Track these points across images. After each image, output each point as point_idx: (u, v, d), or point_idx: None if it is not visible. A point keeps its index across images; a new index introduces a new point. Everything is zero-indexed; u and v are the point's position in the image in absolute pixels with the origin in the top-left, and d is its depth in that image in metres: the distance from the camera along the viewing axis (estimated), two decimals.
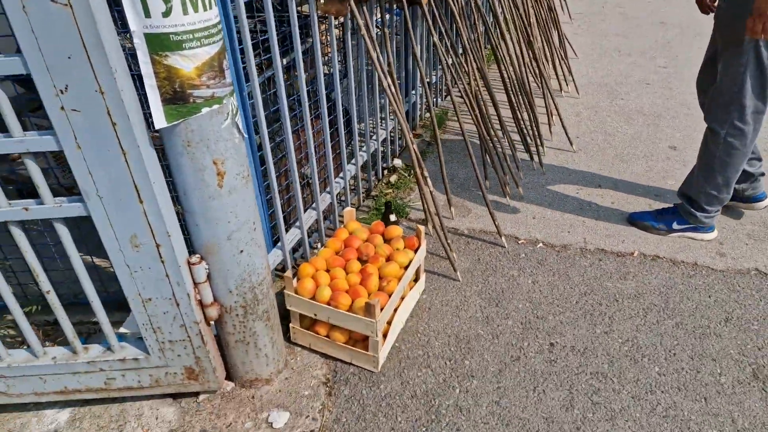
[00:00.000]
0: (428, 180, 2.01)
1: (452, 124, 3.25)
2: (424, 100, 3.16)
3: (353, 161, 2.28)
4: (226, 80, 1.19)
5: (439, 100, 3.48)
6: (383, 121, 2.58)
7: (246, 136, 1.29)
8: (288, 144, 1.69)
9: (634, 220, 2.27)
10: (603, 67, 4.09)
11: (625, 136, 3.05)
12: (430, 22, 2.06)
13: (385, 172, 2.70)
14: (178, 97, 1.12)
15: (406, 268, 1.74)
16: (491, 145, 2.46)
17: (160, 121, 1.12)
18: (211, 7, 1.11)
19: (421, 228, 1.84)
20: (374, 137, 2.44)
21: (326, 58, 2.26)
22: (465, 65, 2.34)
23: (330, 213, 2.15)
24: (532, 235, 2.25)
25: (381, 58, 1.78)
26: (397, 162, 2.75)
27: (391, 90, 1.83)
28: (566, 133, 2.94)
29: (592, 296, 1.90)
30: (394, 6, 2.20)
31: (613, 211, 2.39)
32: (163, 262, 1.29)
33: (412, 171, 2.71)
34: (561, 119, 2.97)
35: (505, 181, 2.54)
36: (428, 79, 3.14)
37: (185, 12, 1.05)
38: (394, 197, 2.51)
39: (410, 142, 1.88)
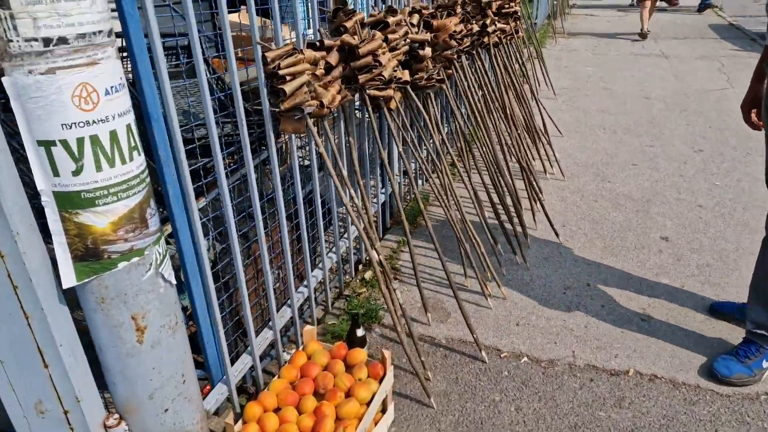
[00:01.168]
0: (398, 297, 1.83)
1: (436, 209, 3.12)
2: (405, 185, 3.05)
3: (320, 265, 2.11)
4: (150, 229, 1.04)
5: (422, 182, 3.37)
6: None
7: (174, 282, 1.13)
8: (237, 268, 1.53)
9: (725, 376, 1.83)
10: (588, 146, 4.03)
11: (614, 225, 2.92)
12: (399, 126, 1.97)
13: (360, 266, 2.53)
14: (90, 254, 0.97)
15: (368, 403, 1.52)
16: (469, 243, 2.31)
17: (69, 280, 0.97)
18: (131, 159, 0.97)
19: (387, 354, 1.64)
20: (345, 235, 2.29)
21: (287, 166, 2.14)
22: (437, 162, 2.23)
23: (292, 325, 1.96)
24: (515, 347, 2.05)
25: (343, 169, 1.65)
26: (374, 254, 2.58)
27: (353, 202, 1.69)
28: (550, 223, 2.80)
29: (583, 430, 1.67)
30: (362, 112, 2.11)
31: (603, 317, 2.20)
32: (72, 429, 1.10)
33: (389, 264, 2.54)
34: (544, 208, 2.84)
35: (486, 279, 2.37)
36: (404, 169, 3.03)
37: (99, 169, 0.92)
38: (367, 298, 2.32)
39: (373, 256, 1.72)
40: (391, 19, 1.85)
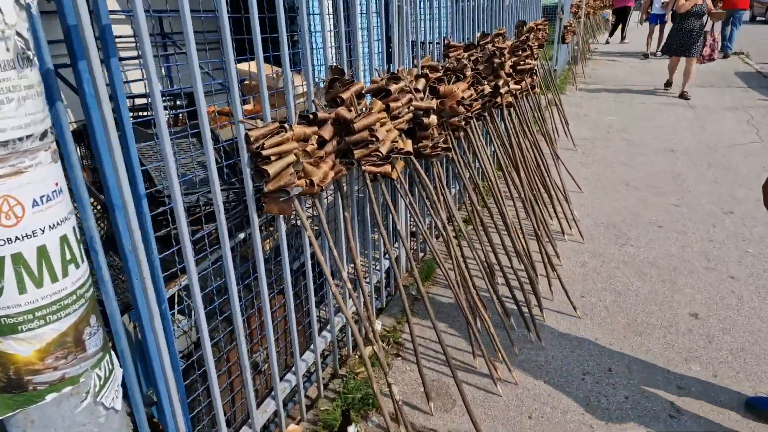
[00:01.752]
0: (394, 393, 1.65)
1: (439, 275, 2.94)
2: (406, 257, 2.88)
3: (311, 347, 1.94)
4: (87, 352, 0.89)
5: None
6: (356, 284, 2.27)
7: (118, 408, 0.97)
8: (206, 357, 1.37)
9: None
10: (609, 204, 3.83)
11: (638, 297, 2.69)
12: (402, 193, 1.83)
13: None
14: (13, 385, 0.83)
15: None
16: (478, 317, 2.12)
17: None
18: (65, 275, 0.84)
19: None
20: (339, 314, 2.13)
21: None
22: (442, 229, 2.07)
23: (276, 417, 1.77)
24: None
25: (333, 250, 1.50)
26: (375, 328, 2.40)
27: (347, 286, 1.54)
28: (567, 296, 2.59)
29: None
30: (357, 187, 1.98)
31: (627, 411, 1.96)
32: None
33: (391, 339, 2.36)
34: (560, 277, 2.63)
35: (496, 360, 2.16)
36: (413, 229, 2.89)
37: (22, 291, 0.79)
38: (365, 379, 2.13)
39: (365, 353, 1.54)
40: (393, 87, 1.74)
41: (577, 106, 6.89)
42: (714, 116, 6.23)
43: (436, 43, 2.76)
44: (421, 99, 1.89)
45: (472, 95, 2.07)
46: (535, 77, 3.16)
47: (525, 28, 4.13)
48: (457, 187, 3.46)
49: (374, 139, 1.50)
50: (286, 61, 1.46)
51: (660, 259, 3.06)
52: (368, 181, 1.61)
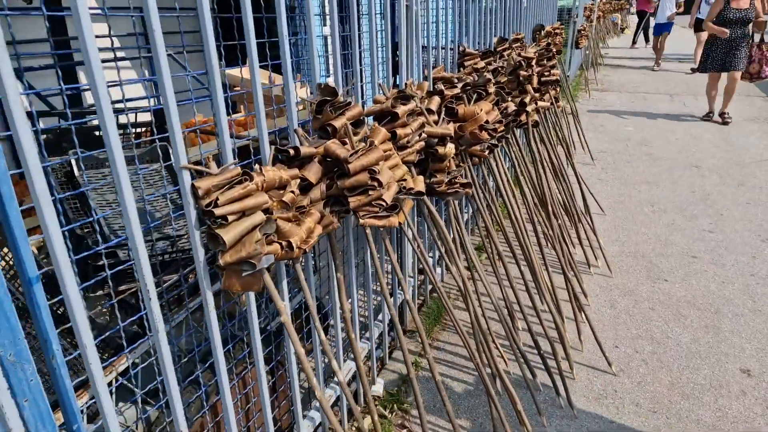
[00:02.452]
0: None
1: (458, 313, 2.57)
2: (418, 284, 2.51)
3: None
4: None
5: (440, 276, 2.83)
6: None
7: None
8: None
9: None
10: (636, 229, 3.46)
11: (680, 348, 2.32)
12: (410, 237, 1.46)
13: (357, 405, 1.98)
14: None
15: None
16: (495, 378, 1.75)
17: None
18: None
19: None
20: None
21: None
22: (459, 284, 1.71)
23: None
24: None
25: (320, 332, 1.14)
26: (376, 388, 2.04)
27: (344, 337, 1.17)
28: (599, 345, 2.22)
29: None
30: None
31: None
32: None
33: (395, 406, 1.99)
34: (590, 321, 2.27)
35: None
36: (420, 267, 2.52)
37: None
38: None
39: (362, 423, 1.18)
40: (401, 109, 1.38)
41: (592, 116, 6.52)
42: (737, 128, 5.85)
43: (450, 49, 2.39)
44: (436, 123, 1.52)
45: (496, 117, 1.71)
46: (558, 89, 2.79)
47: (543, 33, 3.76)
48: (470, 211, 3.10)
49: (376, 183, 1.14)
50: (288, 66, 1.11)
51: (699, 298, 2.68)
52: (369, 238, 1.25)
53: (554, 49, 3.32)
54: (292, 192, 1.06)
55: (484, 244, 2.40)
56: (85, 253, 1.06)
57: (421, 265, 2.51)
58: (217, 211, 0.91)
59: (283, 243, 1.04)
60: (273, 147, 1.11)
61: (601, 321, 2.51)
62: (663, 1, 9.51)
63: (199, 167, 0.93)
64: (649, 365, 2.21)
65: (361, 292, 2.39)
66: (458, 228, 1.67)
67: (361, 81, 1.62)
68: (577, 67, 8.67)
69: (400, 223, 1.46)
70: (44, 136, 1.75)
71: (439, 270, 2.76)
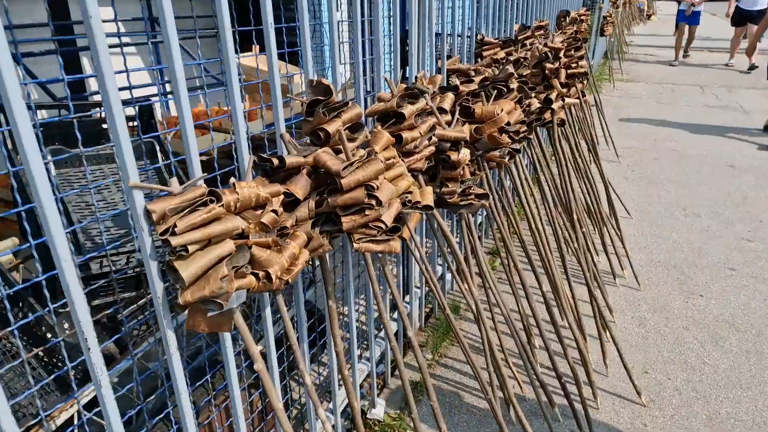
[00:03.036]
0: None
1: (467, 325, 2.37)
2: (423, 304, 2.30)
3: None
4: None
5: (452, 285, 2.61)
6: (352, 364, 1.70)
7: None
8: None
9: None
10: (666, 236, 3.20)
11: (718, 376, 2.08)
12: (418, 260, 1.25)
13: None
14: None
15: None
16: (509, 405, 1.55)
17: None
18: None
19: None
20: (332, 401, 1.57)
21: None
22: (472, 307, 1.50)
23: None
24: None
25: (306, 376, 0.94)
26: (377, 411, 1.84)
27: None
28: (627, 370, 1.99)
29: None
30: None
31: None
32: None
33: (400, 424, 1.80)
34: (615, 342, 2.04)
35: None
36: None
37: None
38: None
39: None
40: (407, 110, 1.16)
41: (617, 107, 6.19)
42: None
43: (467, 37, 2.15)
44: (449, 124, 1.30)
45: (519, 117, 1.48)
46: (585, 82, 2.53)
47: (568, 19, 3.47)
48: (483, 213, 2.87)
49: (374, 202, 0.93)
50: (273, 50, 0.93)
51: (738, 317, 2.43)
52: (368, 262, 1.05)
53: (581, 37, 3.05)
54: (274, 211, 0.86)
55: (498, 251, 2.19)
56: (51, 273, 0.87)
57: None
58: (174, 241, 0.71)
59: (261, 274, 0.84)
60: (252, 157, 0.91)
61: (628, 341, 2.28)
62: None
63: (154, 186, 0.73)
64: (683, 395, 1.99)
65: (362, 295, 2.20)
66: (471, 240, 1.46)
67: (365, 74, 1.40)
68: (600, 55, 8.29)
69: (404, 240, 1.25)
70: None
71: (449, 276, 2.55)
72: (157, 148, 1.55)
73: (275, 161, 0.94)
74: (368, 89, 2.00)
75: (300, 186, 0.94)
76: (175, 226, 0.72)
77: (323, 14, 3.94)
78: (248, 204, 0.83)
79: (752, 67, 7.71)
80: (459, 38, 2.08)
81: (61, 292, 0.75)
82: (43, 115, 2.83)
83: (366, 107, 1.41)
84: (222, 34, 0.88)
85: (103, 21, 0.71)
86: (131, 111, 1.96)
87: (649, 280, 2.73)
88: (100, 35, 0.69)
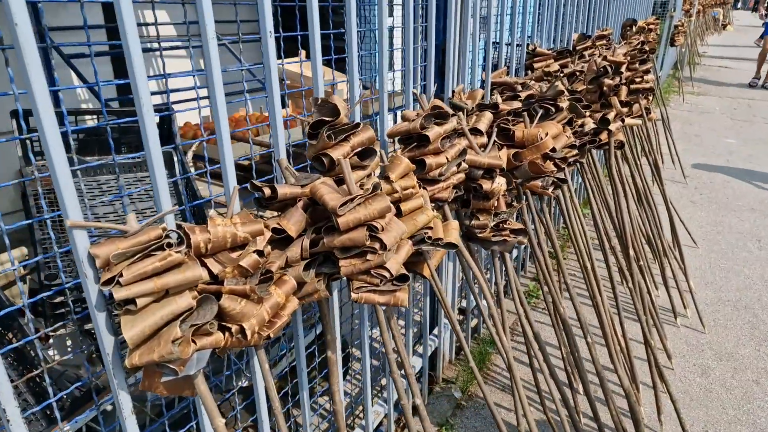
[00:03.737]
0: None
1: (497, 365, 2.17)
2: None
3: None
4: None
5: (481, 326, 2.40)
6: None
7: None
8: None
9: None
10: (737, 270, 2.84)
11: None
12: (446, 310, 1.09)
13: None
14: None
15: None
16: None
17: None
18: None
19: None
20: None
21: None
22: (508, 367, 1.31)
23: None
24: None
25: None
26: None
27: None
28: (683, 428, 1.73)
29: None
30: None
31: None
32: None
33: None
34: (671, 396, 1.79)
35: None
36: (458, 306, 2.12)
37: None
38: None
39: None
40: (432, 132, 1.01)
41: (686, 123, 5.71)
42: None
43: (517, 45, 1.96)
44: (483, 147, 1.14)
45: (567, 142, 1.28)
46: (651, 97, 2.27)
47: (634, 29, 3.20)
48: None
49: (376, 245, 0.79)
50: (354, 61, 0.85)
51: None
52: (379, 312, 0.90)
53: (648, 48, 2.78)
54: (259, 252, 0.74)
55: (540, 284, 1.98)
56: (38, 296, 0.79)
57: (464, 302, 2.13)
58: (118, 294, 0.60)
59: (234, 328, 0.72)
60: (236, 187, 0.79)
61: (688, 393, 2.00)
62: None
63: (99, 224, 0.62)
64: None
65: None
66: (505, 278, 1.28)
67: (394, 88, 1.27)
68: (670, 66, 7.74)
69: (424, 276, 1.10)
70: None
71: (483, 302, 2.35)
72: (175, 159, 1.48)
73: (267, 191, 0.82)
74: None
75: (293, 221, 0.82)
76: (120, 275, 0.61)
77: (374, 19, 3.85)
78: (223, 245, 0.71)
79: None
80: (507, 47, 1.90)
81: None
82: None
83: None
84: (264, 38, 0.84)
85: (144, 24, 0.67)
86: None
87: (715, 321, 2.42)
88: (133, 40, 0.64)
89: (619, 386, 1.94)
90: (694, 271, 2.79)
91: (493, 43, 1.90)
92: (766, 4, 7.87)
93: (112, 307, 0.64)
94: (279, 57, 0.89)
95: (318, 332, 1.54)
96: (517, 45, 1.98)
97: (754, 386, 2.04)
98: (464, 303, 2.17)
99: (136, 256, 0.62)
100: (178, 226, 0.68)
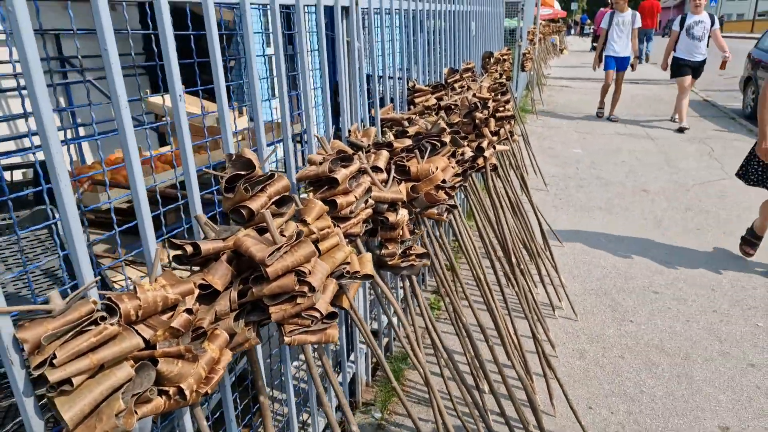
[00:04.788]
0: None
1: (411, 380, 2.29)
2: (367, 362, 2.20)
3: None
4: None
5: (392, 344, 2.53)
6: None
7: None
8: None
9: None
10: (595, 262, 3.34)
11: (655, 404, 2.14)
12: (363, 334, 1.17)
13: None
14: None
15: None
16: None
17: None
18: None
19: None
20: None
21: None
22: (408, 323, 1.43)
23: None
24: None
25: None
26: None
27: None
28: (573, 411, 2.00)
29: None
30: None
31: None
32: None
33: None
34: (559, 380, 2.06)
35: None
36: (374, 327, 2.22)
37: None
38: None
39: None
40: (340, 174, 1.10)
41: (540, 137, 6.53)
42: (675, 149, 6.01)
43: (398, 79, 2.15)
44: (384, 183, 1.25)
45: (454, 171, 1.46)
46: (512, 122, 2.61)
47: (492, 60, 3.62)
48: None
49: (305, 290, 0.85)
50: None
51: (667, 342, 2.55)
52: (308, 354, 0.95)
53: (506, 77, 3.17)
54: (188, 310, 0.75)
55: (441, 296, 2.15)
56: None
57: (375, 324, 2.23)
58: (53, 376, 0.59)
59: (171, 390, 0.72)
60: (159, 245, 0.80)
61: (571, 375, 2.31)
62: (616, 27, 6.81)
63: (25, 306, 0.60)
64: (626, 429, 2.02)
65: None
66: (414, 298, 1.40)
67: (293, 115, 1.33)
68: (523, 88, 8.78)
69: (345, 309, 1.17)
70: None
71: (395, 320, 2.48)
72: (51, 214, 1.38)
73: (189, 248, 0.83)
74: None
75: (219, 275, 0.84)
76: (54, 356, 0.60)
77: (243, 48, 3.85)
78: (154, 309, 0.72)
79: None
80: (390, 81, 2.07)
81: None
82: None
83: (294, 164, 1.33)
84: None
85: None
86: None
87: (584, 309, 2.81)
88: None
89: (517, 380, 2.17)
90: (563, 267, 3.22)
91: (368, 77, 2.05)
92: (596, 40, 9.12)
93: (46, 390, 0.61)
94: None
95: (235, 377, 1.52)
96: (398, 78, 2.17)
97: (621, 361, 2.41)
98: (374, 325, 2.27)
99: (69, 334, 0.61)
100: (107, 297, 0.67)
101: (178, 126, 0.91)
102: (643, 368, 2.36)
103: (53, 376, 0.58)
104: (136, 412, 0.65)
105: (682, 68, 6.59)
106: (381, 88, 2.29)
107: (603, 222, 3.97)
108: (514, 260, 2.28)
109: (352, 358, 1.96)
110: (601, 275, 3.18)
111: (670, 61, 6.76)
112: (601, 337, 2.58)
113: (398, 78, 2.14)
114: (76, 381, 0.60)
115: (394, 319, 2.01)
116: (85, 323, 0.62)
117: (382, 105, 1.96)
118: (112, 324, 0.64)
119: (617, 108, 7.61)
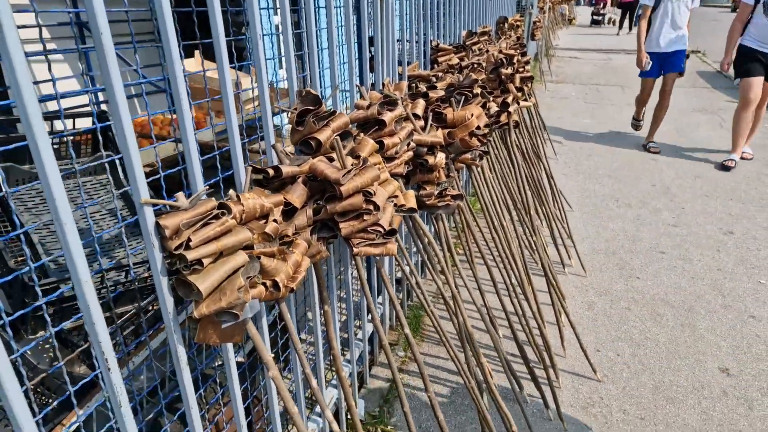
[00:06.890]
0: None
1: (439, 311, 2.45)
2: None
3: None
4: None
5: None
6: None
7: None
8: None
9: None
10: (604, 225, 3.47)
11: (659, 349, 2.30)
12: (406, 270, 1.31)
13: None
14: None
15: None
16: (482, 392, 1.65)
17: None
18: None
19: None
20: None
21: None
22: (450, 303, 1.58)
23: None
24: None
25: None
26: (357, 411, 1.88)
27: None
28: (584, 352, 2.17)
29: None
30: None
31: None
32: None
33: (379, 429, 1.85)
34: (572, 325, 2.21)
35: None
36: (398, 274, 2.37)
37: None
38: None
39: None
40: (388, 116, 1.22)
41: (549, 108, 6.58)
42: (687, 118, 6.06)
43: (415, 42, 2.23)
44: (423, 129, 1.37)
45: (486, 121, 1.58)
46: (530, 85, 2.71)
47: (506, 25, 3.68)
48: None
49: (371, 207, 0.98)
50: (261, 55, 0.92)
51: (672, 295, 2.70)
52: (359, 265, 1.09)
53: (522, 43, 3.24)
54: (275, 221, 0.89)
55: (464, 248, 2.29)
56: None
57: (399, 273, 2.38)
58: (190, 255, 0.73)
59: (268, 283, 0.86)
60: (249, 168, 0.93)
61: (580, 324, 2.47)
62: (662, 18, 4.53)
63: (164, 201, 0.74)
64: (631, 369, 2.18)
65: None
66: (447, 242, 1.54)
67: (330, 83, 1.44)
68: (532, 58, 8.75)
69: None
70: None
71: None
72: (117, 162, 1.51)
73: (271, 171, 0.96)
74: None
75: (297, 195, 0.97)
76: (189, 240, 0.73)
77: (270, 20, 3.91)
78: (253, 215, 0.85)
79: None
80: (409, 44, 2.15)
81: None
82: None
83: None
84: (165, 39, 0.76)
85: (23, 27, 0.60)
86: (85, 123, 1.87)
87: (593, 267, 2.96)
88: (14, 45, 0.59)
89: (534, 327, 2.33)
90: (573, 230, 3.35)
91: (397, 40, 2.14)
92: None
93: (181, 268, 0.75)
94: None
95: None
96: (416, 42, 2.25)
97: (627, 312, 2.57)
98: (399, 274, 2.42)
99: (197, 225, 0.75)
100: (221, 202, 0.81)
101: (223, 87, 0.94)
102: (649, 318, 2.51)
103: (191, 255, 0.72)
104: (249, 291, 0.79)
105: (753, 64, 4.06)
106: (399, 50, 2.38)
107: (612, 189, 4.08)
108: (530, 217, 2.41)
109: (380, 300, 2.12)
110: (610, 237, 3.31)
111: (734, 55, 4.25)
112: (608, 291, 2.73)
113: (415, 42, 2.23)
114: (206, 262, 0.74)
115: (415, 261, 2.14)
116: (209, 217, 0.76)
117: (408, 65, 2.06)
118: (230, 219, 0.77)
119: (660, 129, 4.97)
